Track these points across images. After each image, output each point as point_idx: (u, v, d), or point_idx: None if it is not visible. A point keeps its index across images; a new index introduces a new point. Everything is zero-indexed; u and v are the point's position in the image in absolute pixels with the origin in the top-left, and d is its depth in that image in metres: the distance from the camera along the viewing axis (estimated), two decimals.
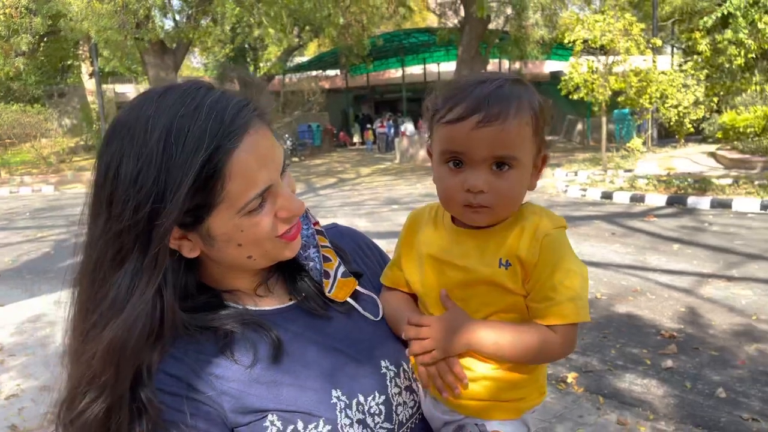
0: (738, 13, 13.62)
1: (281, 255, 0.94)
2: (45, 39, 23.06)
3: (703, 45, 15.90)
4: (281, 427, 0.87)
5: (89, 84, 26.80)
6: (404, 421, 0.99)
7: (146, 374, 0.84)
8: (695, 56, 17.12)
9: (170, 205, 0.80)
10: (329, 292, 1.00)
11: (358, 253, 1.15)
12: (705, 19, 15.47)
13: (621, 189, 12.00)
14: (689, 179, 11.67)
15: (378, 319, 1.05)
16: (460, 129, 0.90)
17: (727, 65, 15.36)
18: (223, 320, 0.91)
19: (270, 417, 0.87)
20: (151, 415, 0.82)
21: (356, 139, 33.98)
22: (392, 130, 28.90)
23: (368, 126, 31.22)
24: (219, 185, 0.82)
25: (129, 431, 0.82)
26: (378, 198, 13.85)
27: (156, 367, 0.85)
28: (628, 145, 16.87)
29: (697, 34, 16.48)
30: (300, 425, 0.88)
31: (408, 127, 28.24)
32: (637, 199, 11.24)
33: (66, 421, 0.84)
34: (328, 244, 1.05)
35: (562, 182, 14.08)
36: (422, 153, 23.33)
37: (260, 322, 0.93)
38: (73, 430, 0.84)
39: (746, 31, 13.82)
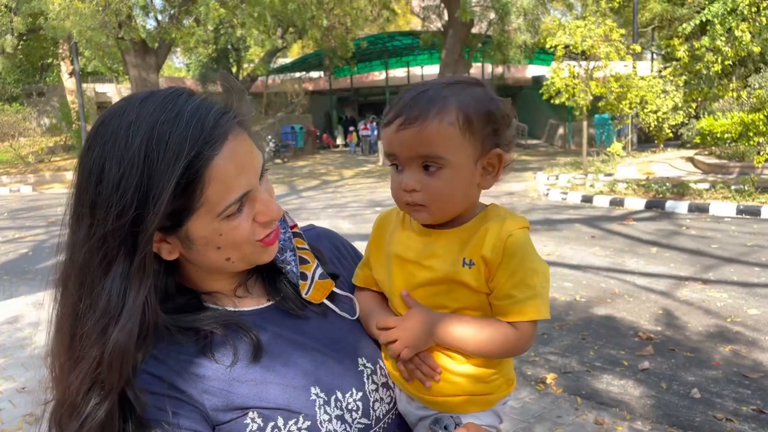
0: (716, 21, 13.84)
1: (259, 259, 0.96)
2: (24, 38, 22.75)
3: (681, 51, 16.15)
4: (262, 424, 0.89)
5: (69, 83, 26.44)
6: (381, 416, 1.02)
7: (132, 374, 0.86)
8: (674, 62, 17.39)
9: (153, 209, 0.82)
10: (306, 294, 1.03)
11: (335, 254, 1.18)
12: (684, 25, 15.70)
13: (601, 193, 12.15)
14: (667, 184, 11.85)
15: (354, 318, 1.08)
16: (388, 132, 0.97)
17: (704, 72, 15.61)
18: (203, 321, 0.93)
19: (251, 414, 0.90)
20: (137, 414, 0.84)
21: (339, 141, 33.96)
22: (375, 133, 28.92)
23: (351, 128, 31.23)
24: (198, 190, 0.84)
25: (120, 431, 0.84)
26: (361, 200, 13.87)
27: (139, 367, 0.87)
28: (608, 149, 17.10)
29: (676, 41, 16.74)
30: (280, 421, 0.90)
31: None
32: (617, 202, 11.39)
33: (75, 427, 0.85)
34: (306, 246, 1.07)
35: (544, 186, 14.20)
36: None
37: (240, 322, 0.95)
38: None
39: (723, 39, 14.05)
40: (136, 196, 0.81)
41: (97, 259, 0.84)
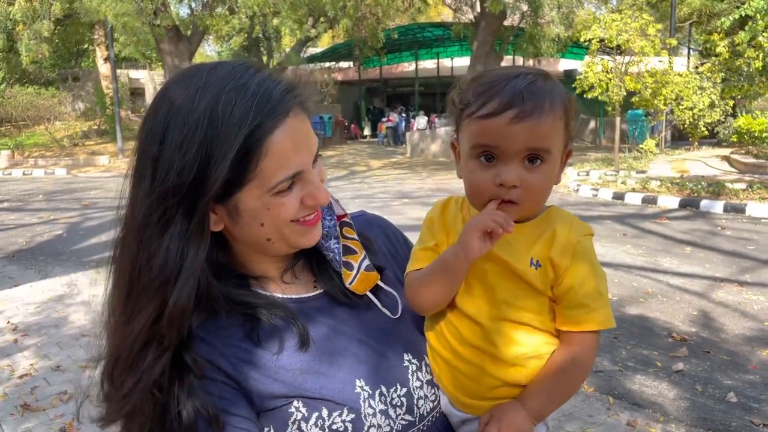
0: (758, 16, 13.46)
1: (299, 242, 0.95)
2: (61, 23, 23.16)
3: (721, 47, 15.73)
4: (306, 414, 0.89)
5: (103, 68, 26.91)
6: (425, 414, 0.99)
7: (186, 337, 0.87)
8: (713, 58, 16.97)
9: (215, 172, 0.82)
10: (350, 284, 1.00)
11: (387, 245, 1.14)
12: (723, 20, 15.32)
13: (633, 190, 11.95)
14: (702, 182, 11.60)
15: (397, 316, 1.04)
16: (494, 123, 0.90)
17: (744, 68, 15.20)
18: (252, 302, 0.93)
19: (295, 403, 0.89)
20: (195, 374, 0.85)
21: (367, 131, 33.96)
22: (403, 124, 28.85)
23: (383, 119, 31.23)
24: (255, 161, 0.84)
25: (171, 390, 0.85)
26: (389, 191, 13.85)
27: (193, 332, 0.88)
28: (641, 146, 16.77)
29: (716, 36, 16.31)
30: (324, 412, 0.89)
31: (420, 121, 28.19)
32: (650, 200, 11.19)
33: (132, 382, 0.84)
34: (355, 236, 1.04)
35: (574, 181, 14.01)
36: (434, 147, 23.27)
37: (287, 309, 0.94)
38: (137, 390, 0.84)
39: (766, 34, 13.65)
40: (198, 157, 0.82)
41: (156, 216, 0.85)
